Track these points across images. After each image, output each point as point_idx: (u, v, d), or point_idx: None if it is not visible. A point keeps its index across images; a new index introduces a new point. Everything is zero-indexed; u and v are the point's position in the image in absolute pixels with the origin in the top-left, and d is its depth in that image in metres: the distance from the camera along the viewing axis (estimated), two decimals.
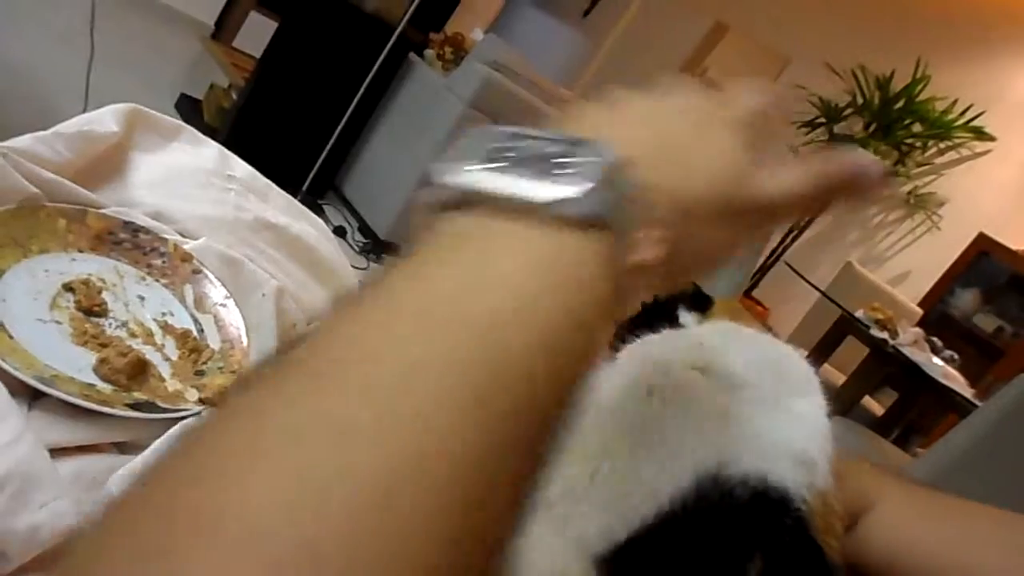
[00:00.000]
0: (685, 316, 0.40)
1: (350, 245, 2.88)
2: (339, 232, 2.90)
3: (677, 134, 0.30)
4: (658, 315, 0.39)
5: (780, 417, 0.33)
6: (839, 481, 0.34)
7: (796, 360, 0.38)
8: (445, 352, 0.19)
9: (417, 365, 0.18)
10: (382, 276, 0.22)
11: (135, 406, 0.50)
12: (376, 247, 2.93)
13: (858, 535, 0.41)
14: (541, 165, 0.24)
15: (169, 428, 0.49)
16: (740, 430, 0.31)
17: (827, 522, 0.32)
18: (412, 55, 3.10)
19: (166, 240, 0.64)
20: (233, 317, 0.62)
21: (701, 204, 0.27)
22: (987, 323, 4.19)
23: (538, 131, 0.26)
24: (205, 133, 3.02)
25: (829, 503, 0.32)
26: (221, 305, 0.62)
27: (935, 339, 2.68)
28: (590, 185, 0.23)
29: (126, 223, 0.62)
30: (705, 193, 0.28)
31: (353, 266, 2.91)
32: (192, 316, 0.61)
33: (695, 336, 0.38)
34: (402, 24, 2.82)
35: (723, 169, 0.28)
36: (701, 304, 0.41)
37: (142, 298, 0.60)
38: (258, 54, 2.88)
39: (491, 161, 0.24)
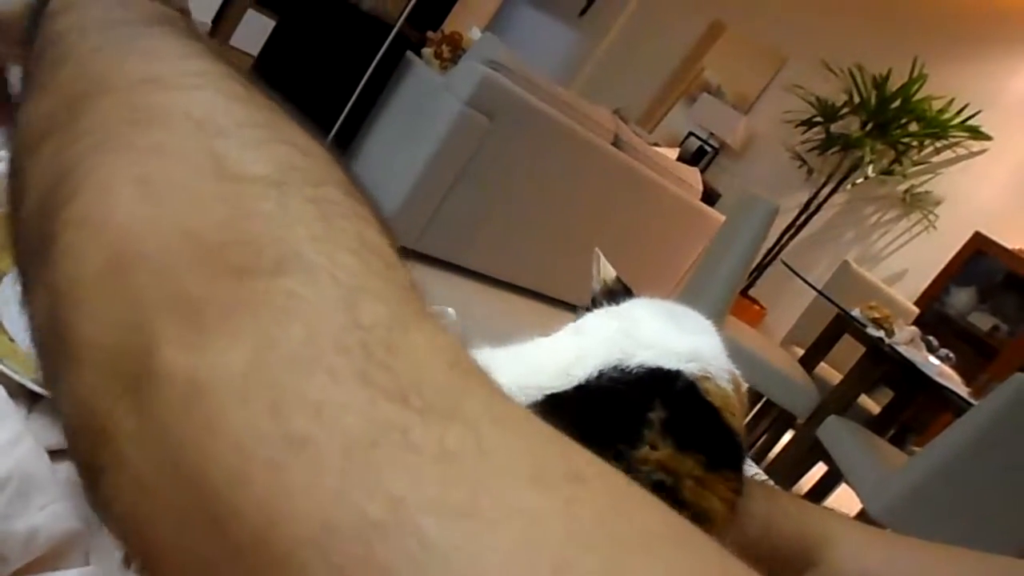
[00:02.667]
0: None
1: None
2: None
3: None
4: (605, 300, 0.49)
5: (674, 338, 0.38)
6: (741, 400, 0.38)
7: (694, 315, 0.44)
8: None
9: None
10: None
11: None
12: None
13: (822, 571, 0.42)
14: None
15: None
16: (638, 340, 0.37)
17: (723, 403, 0.36)
18: (410, 54, 3.10)
19: None
20: None
21: None
22: (983, 322, 4.21)
23: None
24: None
25: (726, 395, 0.36)
26: None
27: (931, 338, 2.68)
28: None
29: None
30: None
31: None
32: None
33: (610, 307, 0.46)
34: (400, 23, 2.82)
35: None
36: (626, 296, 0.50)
37: None
38: (255, 52, 2.88)
39: None
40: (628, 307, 0.45)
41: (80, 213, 0.21)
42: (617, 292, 0.49)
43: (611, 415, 0.34)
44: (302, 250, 0.20)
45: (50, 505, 0.41)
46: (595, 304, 0.48)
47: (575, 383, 0.35)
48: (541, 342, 0.42)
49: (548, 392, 0.35)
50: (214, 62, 0.27)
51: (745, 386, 0.41)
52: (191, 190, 0.21)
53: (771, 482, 0.52)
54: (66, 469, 0.46)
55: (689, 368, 0.36)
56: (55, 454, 0.46)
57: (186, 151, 0.22)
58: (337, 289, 0.19)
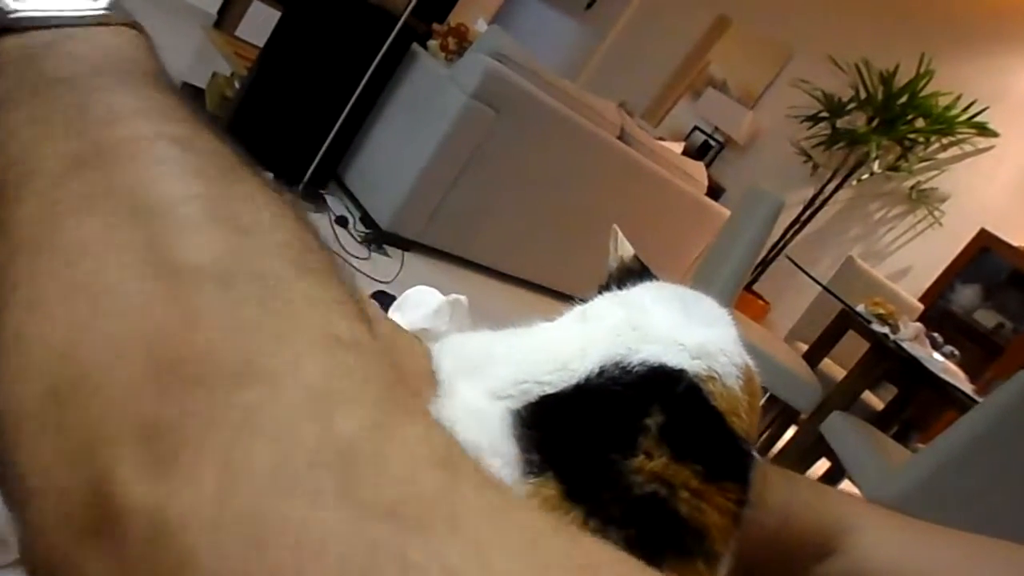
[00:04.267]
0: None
1: (352, 235, 2.88)
2: (341, 222, 2.90)
3: None
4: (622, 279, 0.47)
5: (683, 331, 0.37)
6: (754, 412, 0.37)
7: (708, 303, 0.43)
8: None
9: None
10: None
11: None
12: (378, 237, 2.93)
13: (844, 559, 0.41)
14: None
15: None
16: (643, 333, 0.36)
17: (729, 405, 0.35)
18: (415, 45, 3.10)
19: None
20: None
21: None
22: (987, 319, 4.20)
23: None
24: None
25: (732, 396, 0.35)
26: None
27: (936, 335, 2.68)
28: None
29: None
30: None
31: (354, 255, 2.89)
32: None
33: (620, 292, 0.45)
34: (405, 14, 2.81)
35: None
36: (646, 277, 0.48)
37: None
38: (261, 43, 2.87)
39: None
40: (637, 293, 0.43)
41: (11, 333, 0.19)
42: (634, 271, 0.47)
43: (607, 421, 0.32)
44: (260, 355, 0.18)
45: None
46: (610, 282, 0.46)
47: (575, 379, 0.34)
48: (544, 328, 0.41)
49: (545, 392, 0.34)
50: (147, 116, 0.24)
51: (759, 379, 0.39)
52: (130, 295, 0.19)
53: None
54: None
55: (694, 367, 0.35)
56: None
57: (118, 245, 0.20)
58: (305, 396, 0.18)
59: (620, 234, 0.49)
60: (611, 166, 3.38)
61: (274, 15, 2.90)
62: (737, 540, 0.32)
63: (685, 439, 0.32)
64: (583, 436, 0.32)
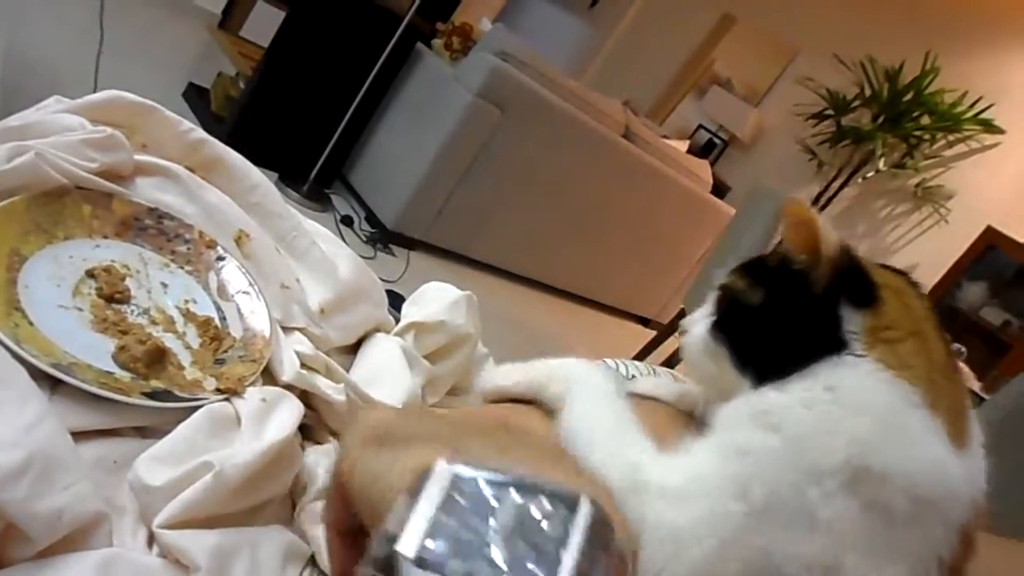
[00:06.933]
0: (850, 318, 0.35)
1: (357, 234, 2.89)
2: (346, 221, 2.90)
3: None
4: (815, 312, 0.34)
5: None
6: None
7: (973, 423, 0.38)
8: None
9: None
10: None
11: (152, 395, 0.50)
12: (383, 236, 2.93)
13: None
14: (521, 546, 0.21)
15: (189, 414, 0.50)
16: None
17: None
18: (420, 45, 3.10)
19: (191, 227, 0.64)
20: (256, 305, 0.62)
21: None
22: (994, 316, 4.18)
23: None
24: (213, 122, 2.97)
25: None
26: (244, 293, 0.62)
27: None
28: None
29: (151, 209, 0.62)
30: None
31: (360, 255, 2.92)
32: (215, 303, 0.61)
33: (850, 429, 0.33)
34: (410, 14, 2.81)
35: None
36: (865, 297, 0.35)
37: (165, 285, 0.60)
38: (266, 43, 2.88)
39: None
40: (868, 440, 0.33)
41: None
42: (843, 266, 0.35)
43: None
44: None
45: (74, 485, 0.42)
46: (786, 271, 0.36)
47: None
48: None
49: None
50: None
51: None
52: None
53: None
54: (88, 450, 0.46)
55: None
56: (78, 436, 0.46)
57: None
58: None
59: (822, 220, 0.37)
60: (616, 164, 3.38)
61: (278, 15, 2.90)
62: None
63: None
64: None
